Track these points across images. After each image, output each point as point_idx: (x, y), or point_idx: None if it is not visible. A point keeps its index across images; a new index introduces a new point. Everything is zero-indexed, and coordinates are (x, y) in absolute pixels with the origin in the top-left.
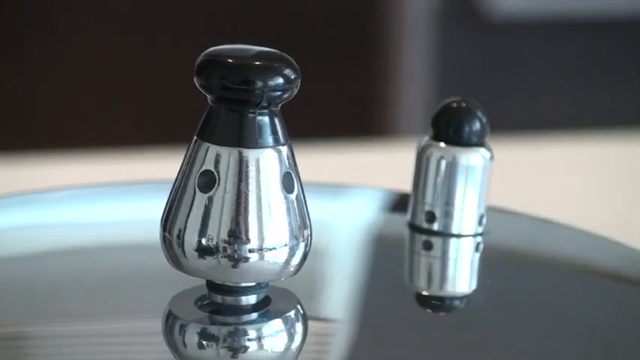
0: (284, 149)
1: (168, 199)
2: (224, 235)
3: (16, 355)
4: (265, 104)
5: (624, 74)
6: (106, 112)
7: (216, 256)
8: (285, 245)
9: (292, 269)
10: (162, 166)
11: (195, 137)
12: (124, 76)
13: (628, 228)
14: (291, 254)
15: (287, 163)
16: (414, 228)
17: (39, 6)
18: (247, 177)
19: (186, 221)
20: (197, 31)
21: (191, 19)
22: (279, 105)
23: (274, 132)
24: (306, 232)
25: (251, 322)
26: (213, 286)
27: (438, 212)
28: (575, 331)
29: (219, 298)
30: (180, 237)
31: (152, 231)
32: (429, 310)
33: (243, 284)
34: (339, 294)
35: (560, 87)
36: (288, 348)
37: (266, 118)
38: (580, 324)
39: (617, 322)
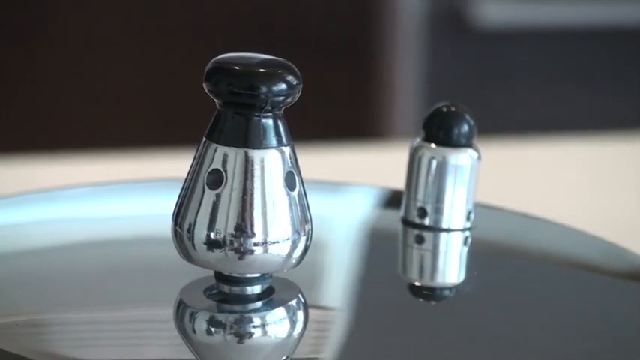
0: (286, 150)
1: (179, 196)
2: (231, 230)
3: (39, 340)
4: (269, 108)
5: (602, 80)
6: (123, 116)
7: (223, 248)
8: (288, 239)
9: (294, 261)
10: (174, 166)
11: (204, 139)
12: (138, 83)
13: (607, 222)
14: (293, 247)
15: (289, 162)
16: (406, 223)
17: (42, 7)
18: (252, 175)
19: (196, 216)
20: (201, 35)
21: (195, 23)
22: (282, 109)
23: (277, 134)
24: (307, 227)
25: (256, 310)
26: (220, 277)
27: (429, 208)
28: (556, 318)
29: (226, 288)
30: (191, 231)
31: (164, 225)
32: (420, 299)
33: (249, 275)
34: (337, 284)
35: (543, 91)
36: (290, 334)
37: (270, 121)
38: (560, 312)
39: (595, 310)
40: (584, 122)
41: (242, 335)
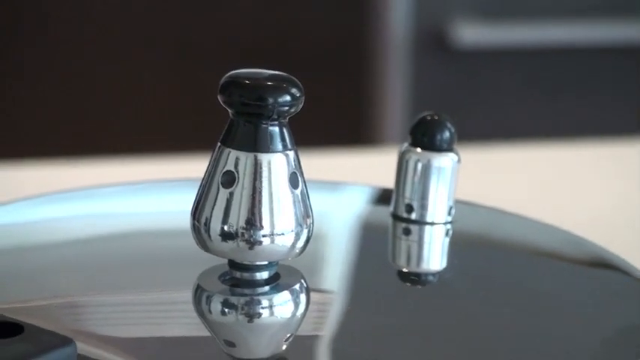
0: (291, 153)
1: (197, 194)
2: (242, 223)
3: (75, 320)
4: (276, 117)
5: (578, 93)
6: (148, 123)
7: (236, 240)
8: (292, 231)
9: (298, 250)
10: (192, 168)
11: (218, 144)
12: (162, 96)
13: (572, 216)
14: (297, 238)
15: (293, 164)
16: (395, 217)
17: (48, 8)
18: (261, 176)
19: (212, 212)
20: (212, 54)
21: (206, 40)
22: (287, 117)
23: (283, 139)
24: (309, 221)
25: (264, 294)
26: (233, 265)
27: (415, 205)
28: (525, 298)
29: (238, 274)
30: (207, 224)
31: (184, 220)
32: (408, 284)
33: (258, 263)
34: (335, 271)
35: (514, 102)
36: (294, 314)
37: (276, 128)
38: (528, 294)
39: (557, 291)
40: (552, 128)
41: (252, 315)
